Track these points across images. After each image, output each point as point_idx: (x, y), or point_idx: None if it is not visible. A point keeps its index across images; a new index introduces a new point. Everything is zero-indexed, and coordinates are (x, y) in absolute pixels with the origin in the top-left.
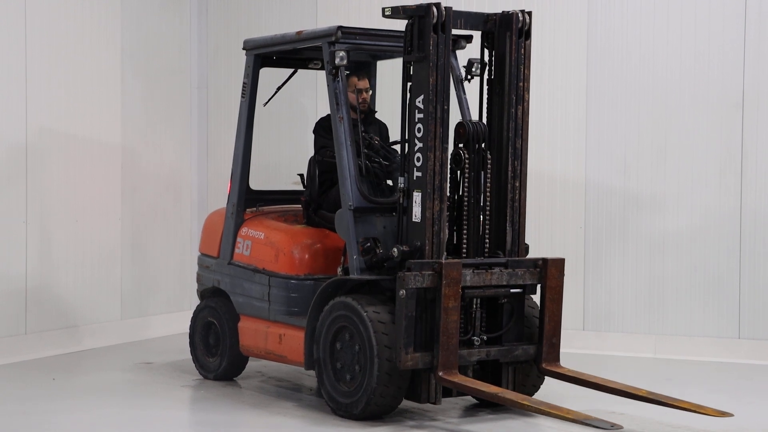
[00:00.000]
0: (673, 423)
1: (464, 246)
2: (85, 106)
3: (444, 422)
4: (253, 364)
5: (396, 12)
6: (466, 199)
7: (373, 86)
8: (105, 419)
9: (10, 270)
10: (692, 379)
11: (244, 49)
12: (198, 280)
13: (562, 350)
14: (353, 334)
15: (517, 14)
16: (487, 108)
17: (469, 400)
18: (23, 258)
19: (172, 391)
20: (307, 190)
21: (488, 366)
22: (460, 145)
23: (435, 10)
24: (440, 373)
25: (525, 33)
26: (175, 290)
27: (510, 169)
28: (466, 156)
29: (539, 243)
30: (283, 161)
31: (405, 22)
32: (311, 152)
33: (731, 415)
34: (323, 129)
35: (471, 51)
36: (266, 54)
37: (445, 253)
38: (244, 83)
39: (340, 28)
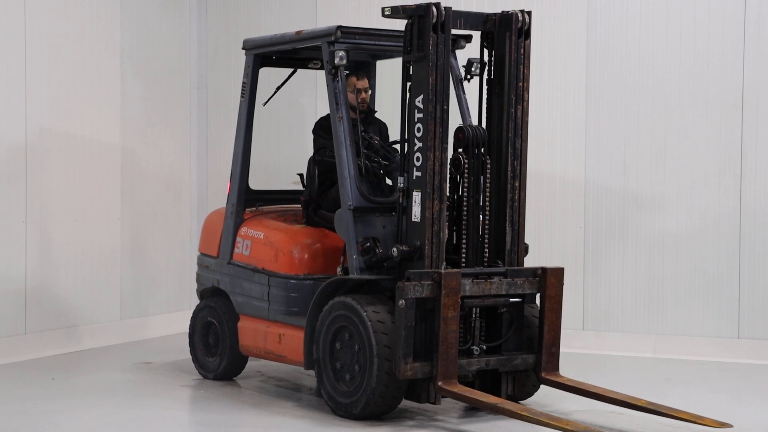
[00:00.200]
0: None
1: (464, 245)
2: (84, 106)
3: (443, 422)
4: (252, 364)
5: (395, 12)
6: (465, 199)
7: (372, 86)
8: (105, 419)
9: (9, 270)
10: (692, 379)
11: (243, 48)
12: (197, 280)
13: (561, 350)
14: (353, 333)
15: (516, 14)
16: (486, 108)
17: None
18: (23, 258)
19: (171, 391)
20: (306, 190)
21: (487, 374)
22: (460, 150)
23: (435, 9)
24: (439, 383)
25: (524, 33)
26: (174, 290)
27: (509, 169)
28: (466, 161)
29: (539, 243)
30: (283, 161)
31: (405, 21)
32: (311, 152)
33: (731, 425)
34: (322, 129)
35: (470, 51)
36: (266, 54)
37: (444, 263)
38: (243, 83)
39: (339, 27)
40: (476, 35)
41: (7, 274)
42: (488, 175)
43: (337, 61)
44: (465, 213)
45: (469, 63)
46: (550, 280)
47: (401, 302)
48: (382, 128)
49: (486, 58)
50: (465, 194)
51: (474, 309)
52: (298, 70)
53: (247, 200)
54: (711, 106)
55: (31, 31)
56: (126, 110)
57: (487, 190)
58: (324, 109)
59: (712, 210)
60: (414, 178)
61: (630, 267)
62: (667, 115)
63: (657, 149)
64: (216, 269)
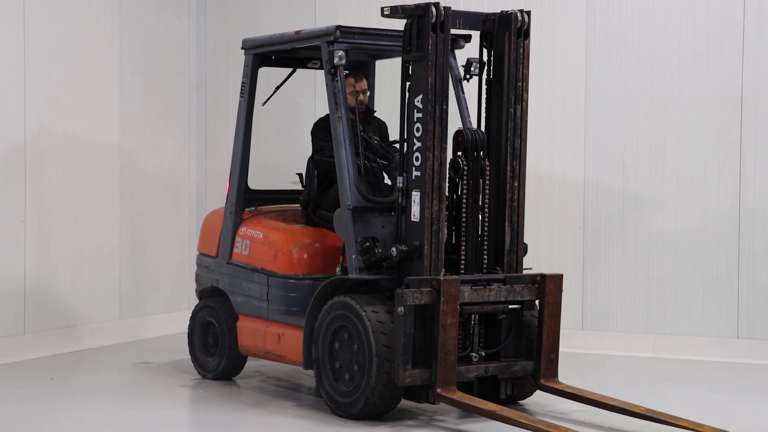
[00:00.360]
0: None
1: (463, 245)
2: (83, 106)
3: (442, 422)
4: (251, 364)
5: (395, 11)
6: (464, 199)
7: (371, 86)
8: (104, 419)
9: (8, 270)
10: (691, 378)
11: (242, 48)
12: (197, 280)
13: (561, 350)
14: (352, 333)
15: (515, 14)
16: (485, 108)
17: None
18: (22, 258)
19: (170, 390)
20: (305, 190)
21: (486, 377)
22: (459, 153)
23: (434, 9)
24: (438, 390)
25: (524, 33)
26: (173, 290)
27: (509, 169)
28: (465, 164)
29: (538, 243)
30: (282, 161)
31: (404, 21)
32: (310, 152)
33: None
34: (321, 131)
35: (470, 50)
36: (265, 53)
37: (443, 268)
38: (242, 83)
39: (338, 27)
40: (475, 35)
41: (6, 274)
42: (487, 179)
43: (336, 60)
44: (464, 213)
45: (469, 63)
46: (549, 286)
47: (400, 309)
48: (381, 127)
49: (485, 58)
50: (464, 194)
51: (473, 316)
52: (298, 70)
53: (246, 200)
54: (710, 106)
55: (30, 31)
56: (125, 110)
57: (487, 190)
58: (323, 108)
59: (711, 210)
60: (413, 177)
61: (629, 267)
62: (667, 115)
63: (656, 149)
64: (215, 269)
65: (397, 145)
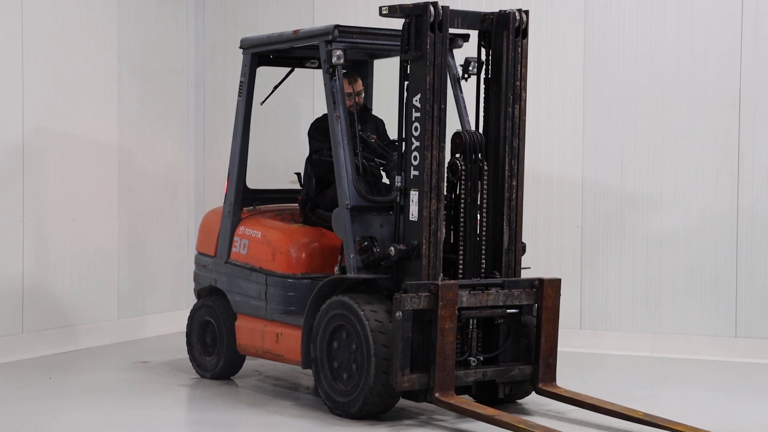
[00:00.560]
0: None
1: (461, 244)
2: (82, 106)
3: (441, 422)
4: (250, 363)
5: (393, 11)
6: (463, 198)
7: (369, 85)
8: (102, 419)
9: (6, 269)
10: (689, 377)
11: (241, 47)
12: (195, 279)
13: (559, 349)
14: (350, 333)
15: (514, 13)
16: (484, 107)
17: None
18: (20, 257)
19: (169, 390)
20: (304, 189)
21: (484, 382)
22: (457, 155)
23: (432, 9)
24: (436, 394)
25: (522, 32)
26: (172, 289)
27: (507, 168)
28: (463, 166)
29: (536, 242)
30: (280, 160)
31: (402, 21)
32: (308, 151)
33: None
34: (317, 131)
35: (468, 50)
36: (263, 53)
37: (441, 274)
38: (241, 82)
39: (337, 27)
40: (474, 34)
41: (4, 273)
42: (486, 178)
43: (334, 60)
44: (462, 212)
45: (467, 62)
46: (547, 290)
47: (398, 314)
48: (378, 125)
49: (483, 57)
50: (462, 194)
51: (471, 320)
52: (296, 70)
53: (245, 199)
54: (708, 105)
55: (28, 30)
56: (123, 109)
57: (485, 190)
58: (321, 108)
59: (710, 209)
60: (411, 177)
61: (627, 266)
62: (665, 114)
63: (654, 149)
64: (213, 268)
65: (396, 144)
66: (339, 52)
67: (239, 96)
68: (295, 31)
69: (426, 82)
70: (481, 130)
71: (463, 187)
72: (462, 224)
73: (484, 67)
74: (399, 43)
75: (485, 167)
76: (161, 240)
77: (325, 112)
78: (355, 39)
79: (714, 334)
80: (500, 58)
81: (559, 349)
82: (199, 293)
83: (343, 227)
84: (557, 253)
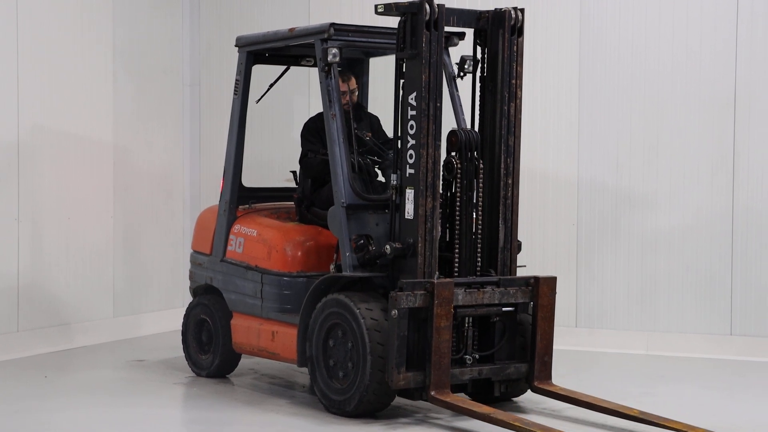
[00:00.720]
0: None
1: (457, 242)
2: (77, 104)
3: (436, 420)
4: (245, 362)
5: (389, 9)
6: (458, 197)
7: (365, 83)
8: (97, 417)
9: (2, 267)
10: (684, 375)
11: (236, 46)
12: (190, 278)
13: (555, 347)
14: (346, 331)
15: (509, 11)
16: (479, 105)
17: None
18: (15, 256)
19: (164, 388)
20: (299, 187)
21: (480, 380)
22: (453, 153)
23: (428, 7)
24: (432, 393)
25: (517, 30)
26: (167, 288)
27: (502, 166)
28: (459, 165)
29: (532, 240)
30: (276, 158)
31: (398, 19)
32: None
33: None
34: (309, 132)
35: (463, 48)
36: (259, 51)
37: (437, 273)
38: (236, 80)
39: (332, 25)
40: (469, 32)
41: None
42: (481, 177)
43: (330, 58)
44: (458, 211)
45: (462, 60)
46: (542, 288)
47: (394, 312)
48: (373, 121)
49: (479, 56)
50: (458, 192)
51: (467, 318)
52: (291, 68)
53: (240, 198)
54: (704, 104)
55: (23, 29)
56: (118, 108)
57: (480, 188)
58: (317, 106)
59: (705, 208)
60: (407, 175)
61: (623, 264)
62: (660, 113)
63: (650, 147)
64: (209, 267)
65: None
66: (335, 51)
67: (235, 94)
68: (291, 30)
69: (421, 81)
70: (476, 129)
71: (458, 185)
72: (458, 222)
73: (479, 65)
74: (394, 42)
75: (481, 165)
76: (157, 238)
77: (320, 111)
78: (350, 37)
79: (709, 332)
80: (496, 56)
81: (555, 347)
82: (195, 291)
83: (338, 225)
84: (553, 251)
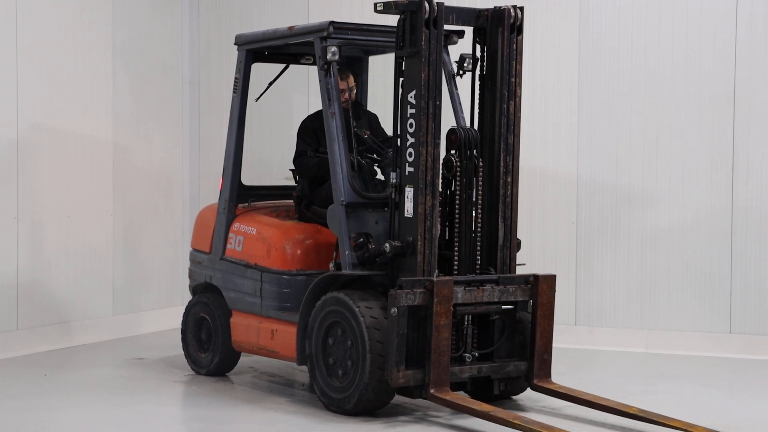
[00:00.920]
0: None
1: (456, 241)
2: (76, 103)
3: (436, 418)
4: (245, 360)
5: (388, 7)
6: (458, 195)
7: (364, 81)
8: (97, 415)
9: (1, 266)
10: (684, 374)
11: (235, 44)
12: (190, 276)
13: (554, 345)
14: (345, 329)
15: (509, 9)
16: (479, 104)
17: None
18: (14, 254)
19: (164, 386)
20: (299, 186)
21: (479, 378)
22: (453, 152)
23: (427, 5)
24: (432, 391)
25: (517, 28)
26: (167, 286)
27: (502, 165)
28: (458, 163)
29: (531, 239)
30: (275, 157)
31: (397, 17)
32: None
33: None
34: (306, 132)
35: (463, 46)
36: (258, 49)
37: (437, 271)
38: (235, 79)
39: (332, 23)
40: (469, 31)
41: None
42: (481, 175)
43: (329, 56)
44: (457, 209)
45: (462, 58)
46: (542, 287)
47: (393, 310)
48: (371, 119)
49: (478, 54)
50: (457, 190)
51: (466, 316)
52: (291, 66)
53: (240, 196)
54: (703, 102)
55: (22, 27)
56: (118, 106)
57: (480, 186)
58: (316, 104)
59: (704, 206)
60: (406, 173)
61: (622, 263)
62: (660, 111)
63: (649, 145)
64: (208, 265)
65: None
66: (334, 49)
67: (234, 93)
68: (290, 28)
69: (421, 79)
70: (476, 127)
71: (458, 183)
72: (457, 221)
73: (479, 63)
74: (394, 40)
75: (480, 164)
76: (156, 237)
77: (317, 109)
78: (350, 35)
79: (709, 330)
80: (495, 55)
81: (554, 345)
82: (194, 290)
83: (338, 224)
84: (552, 249)
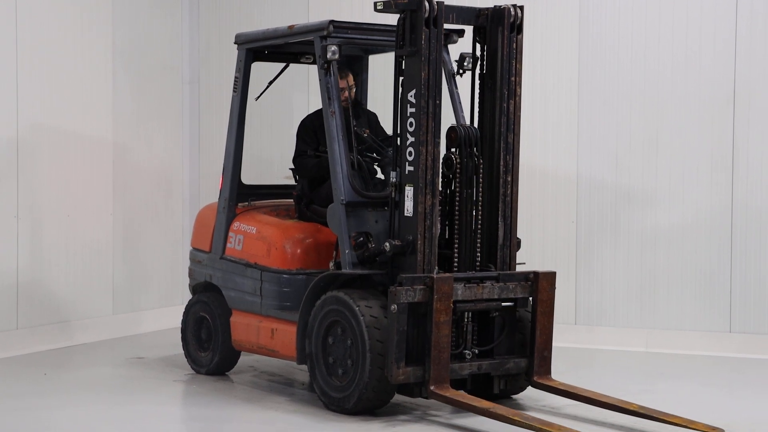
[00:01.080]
0: None
1: (456, 240)
2: (76, 102)
3: (436, 417)
4: (245, 359)
5: (388, 6)
6: (458, 194)
7: (364, 81)
8: (97, 415)
9: (1, 265)
10: (684, 373)
11: (235, 43)
12: (190, 275)
13: (554, 344)
14: (345, 328)
15: (509, 9)
16: (478, 103)
17: None
18: (14, 253)
19: (164, 386)
20: (298, 185)
21: (479, 376)
22: (453, 150)
23: (427, 4)
24: (432, 387)
25: (517, 27)
26: (167, 285)
27: (502, 164)
28: (458, 161)
29: (531, 238)
30: (275, 156)
31: (397, 16)
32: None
33: (722, 430)
34: (306, 131)
35: (463, 45)
36: (258, 48)
37: (436, 266)
38: (235, 78)
39: (332, 22)
40: (469, 30)
41: None
42: (481, 174)
43: (329, 55)
44: (457, 208)
45: (462, 58)
46: (542, 283)
47: (393, 307)
48: (371, 118)
49: (478, 53)
50: (457, 189)
51: (466, 313)
52: (291, 65)
53: (240, 195)
54: (703, 101)
55: (22, 27)
56: (118, 106)
57: (480, 185)
58: (316, 103)
59: (704, 205)
60: (406, 172)
61: (622, 262)
62: (660, 110)
63: (649, 144)
64: (208, 264)
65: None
66: (334, 48)
67: (234, 92)
68: (290, 27)
69: (421, 78)
70: (476, 126)
71: (458, 182)
72: (457, 220)
73: (479, 62)
74: (394, 39)
75: (480, 160)
76: (156, 236)
77: (317, 109)
78: (350, 34)
79: (708, 329)
80: (495, 54)
81: (554, 344)
82: (194, 289)
83: (338, 223)
84: (552, 248)
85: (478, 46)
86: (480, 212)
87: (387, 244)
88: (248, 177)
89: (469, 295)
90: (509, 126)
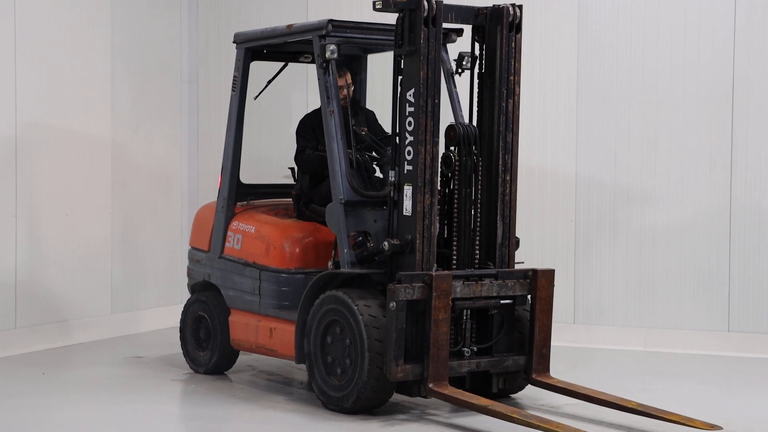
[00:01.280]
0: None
1: (455, 239)
2: (75, 101)
3: (434, 416)
4: (243, 358)
5: (386, 5)
6: (456, 193)
7: (363, 80)
8: (95, 414)
9: None
10: (682, 372)
11: (234, 42)
12: (188, 274)
13: (552, 344)
14: (344, 327)
15: (507, 8)
16: (477, 102)
17: None
18: (13, 252)
19: (162, 385)
20: (297, 184)
21: (478, 374)
22: (451, 148)
23: (426, 3)
24: (430, 385)
25: (516, 27)
26: (165, 284)
27: (500, 163)
28: (457, 159)
29: (530, 237)
30: (274, 155)
31: (396, 15)
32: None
33: (720, 428)
34: (305, 130)
35: (462, 45)
36: (257, 47)
37: (435, 263)
38: (234, 77)
39: (330, 21)
40: (467, 29)
41: None
42: (479, 173)
43: (328, 54)
44: (456, 207)
45: (460, 57)
46: (540, 281)
47: (392, 304)
48: (369, 117)
49: (477, 52)
50: (456, 188)
51: (465, 311)
52: (289, 64)
53: (238, 194)
54: (702, 100)
55: (21, 25)
56: (116, 104)
57: (479, 184)
58: (315, 102)
59: (703, 204)
60: (405, 172)
61: (621, 261)
62: (658, 109)
63: (648, 143)
64: (207, 263)
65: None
66: (333, 47)
67: (233, 91)
68: (289, 26)
69: (420, 77)
70: (474, 125)
71: (456, 181)
72: (456, 219)
73: (477, 61)
74: (393, 38)
75: (479, 160)
76: (155, 235)
77: (316, 107)
78: (348, 33)
79: (707, 328)
80: (494, 53)
81: (553, 343)
82: (193, 288)
83: (336, 222)
84: (551, 247)
85: (476, 45)
86: (479, 211)
87: (386, 243)
88: (247, 176)
89: (468, 293)
90: (508, 125)
